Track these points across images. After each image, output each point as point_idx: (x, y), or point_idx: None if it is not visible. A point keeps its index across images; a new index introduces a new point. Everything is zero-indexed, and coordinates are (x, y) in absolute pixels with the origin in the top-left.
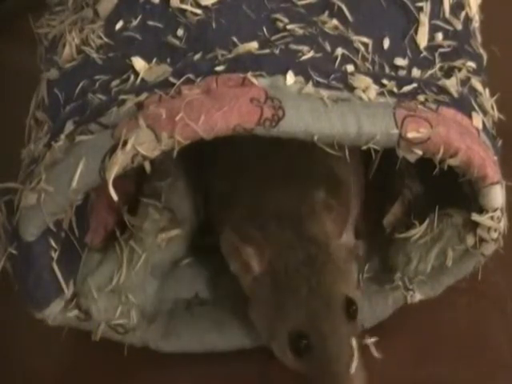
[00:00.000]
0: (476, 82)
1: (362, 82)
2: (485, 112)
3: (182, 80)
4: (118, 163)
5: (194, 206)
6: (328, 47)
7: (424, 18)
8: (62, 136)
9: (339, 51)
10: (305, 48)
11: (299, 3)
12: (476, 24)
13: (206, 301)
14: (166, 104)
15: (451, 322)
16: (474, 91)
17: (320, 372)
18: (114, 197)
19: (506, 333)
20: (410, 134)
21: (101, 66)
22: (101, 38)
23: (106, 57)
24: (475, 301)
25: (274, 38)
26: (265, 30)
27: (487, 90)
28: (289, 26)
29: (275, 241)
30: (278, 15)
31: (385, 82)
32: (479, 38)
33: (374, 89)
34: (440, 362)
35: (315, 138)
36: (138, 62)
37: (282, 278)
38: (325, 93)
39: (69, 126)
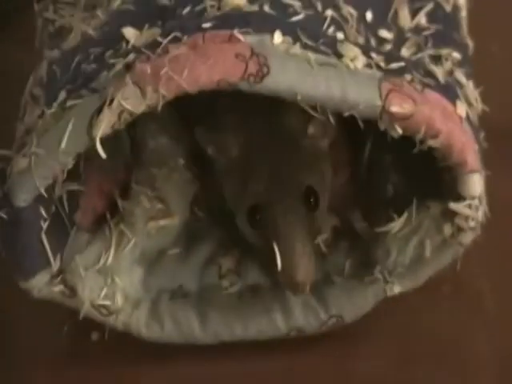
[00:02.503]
0: (459, 74)
1: (351, 50)
2: (469, 103)
3: (168, 38)
4: (105, 120)
5: (188, 200)
6: (319, 6)
7: None
8: (55, 104)
9: (329, 12)
10: (296, 3)
11: None
12: (463, 14)
13: (189, 293)
14: (152, 62)
15: (430, 321)
16: (457, 83)
17: (269, 248)
18: (103, 155)
19: (485, 330)
20: (394, 108)
21: (96, 40)
22: (99, 18)
23: (101, 31)
24: (454, 297)
25: None
26: None
27: (471, 82)
28: None
29: (250, 127)
30: None
31: (373, 55)
32: (466, 28)
33: (361, 60)
34: (421, 362)
35: (298, 97)
36: (129, 31)
37: (251, 159)
38: (312, 55)
39: (62, 95)
